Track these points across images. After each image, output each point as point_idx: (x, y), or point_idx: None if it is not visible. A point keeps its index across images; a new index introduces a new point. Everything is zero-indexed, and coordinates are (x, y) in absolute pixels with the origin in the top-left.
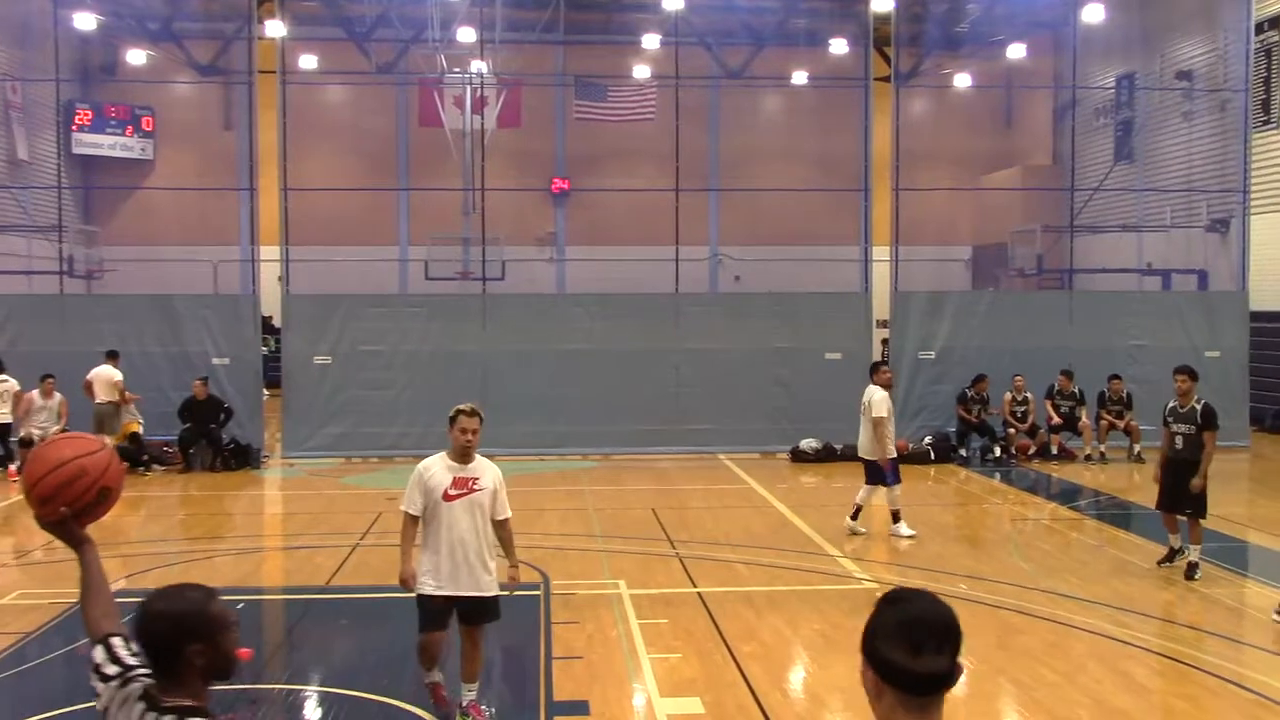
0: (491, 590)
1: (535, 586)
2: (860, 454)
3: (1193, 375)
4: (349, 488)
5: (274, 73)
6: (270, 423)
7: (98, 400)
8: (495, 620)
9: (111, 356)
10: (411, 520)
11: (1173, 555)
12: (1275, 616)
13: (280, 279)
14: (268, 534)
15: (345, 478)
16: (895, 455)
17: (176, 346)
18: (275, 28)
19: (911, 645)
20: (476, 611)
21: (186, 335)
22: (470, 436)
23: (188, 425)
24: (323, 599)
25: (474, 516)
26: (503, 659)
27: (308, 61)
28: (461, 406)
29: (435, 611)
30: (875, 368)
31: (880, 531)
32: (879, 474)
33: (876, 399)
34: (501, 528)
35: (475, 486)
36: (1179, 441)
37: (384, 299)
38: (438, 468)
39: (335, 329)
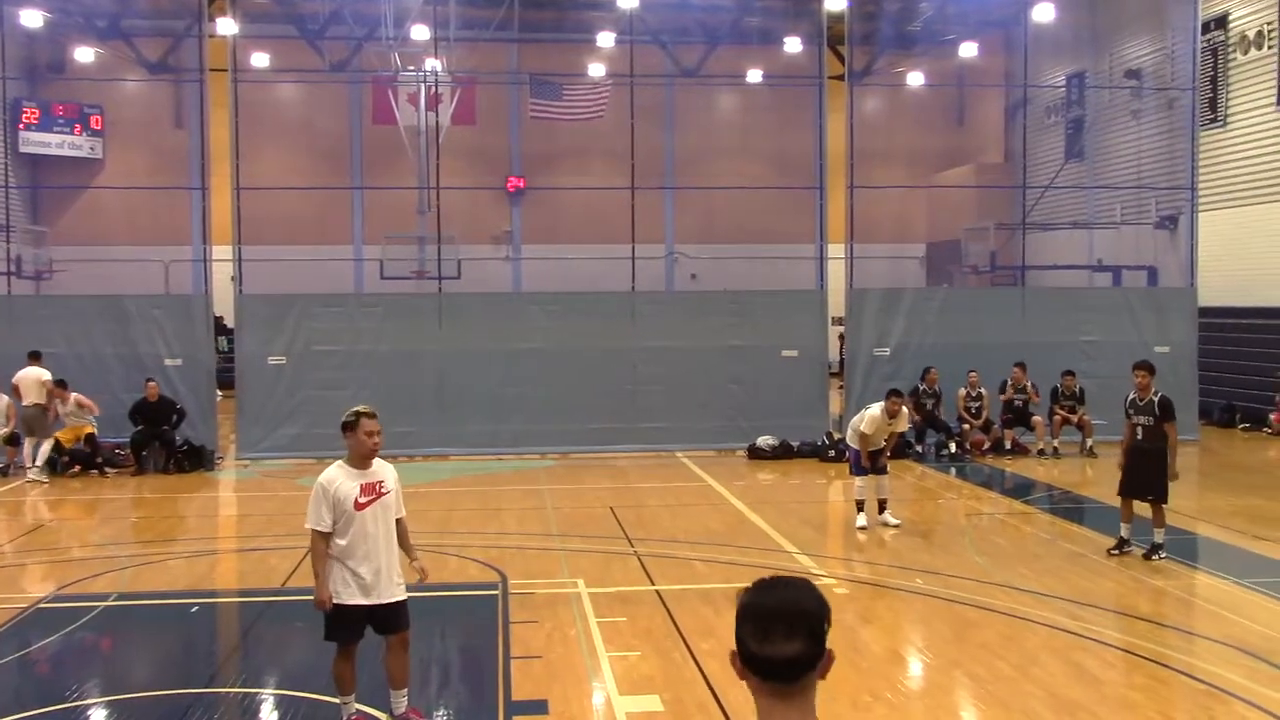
0: (404, 594)
1: (494, 586)
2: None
3: (1151, 370)
4: (304, 489)
5: (225, 71)
6: (224, 424)
7: (25, 403)
8: (406, 626)
9: (34, 357)
10: (322, 538)
11: (1122, 544)
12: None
13: (233, 279)
14: (222, 536)
15: (301, 479)
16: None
17: (127, 347)
18: (226, 25)
19: (759, 631)
20: (395, 618)
21: (137, 336)
22: (377, 439)
23: (140, 427)
24: (278, 601)
25: (385, 521)
26: (460, 659)
27: (260, 59)
28: (361, 409)
29: (354, 622)
30: (888, 395)
31: (836, 529)
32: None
33: (868, 417)
34: (400, 525)
35: (382, 490)
36: (1140, 432)
37: (339, 299)
38: (341, 478)
39: (289, 329)
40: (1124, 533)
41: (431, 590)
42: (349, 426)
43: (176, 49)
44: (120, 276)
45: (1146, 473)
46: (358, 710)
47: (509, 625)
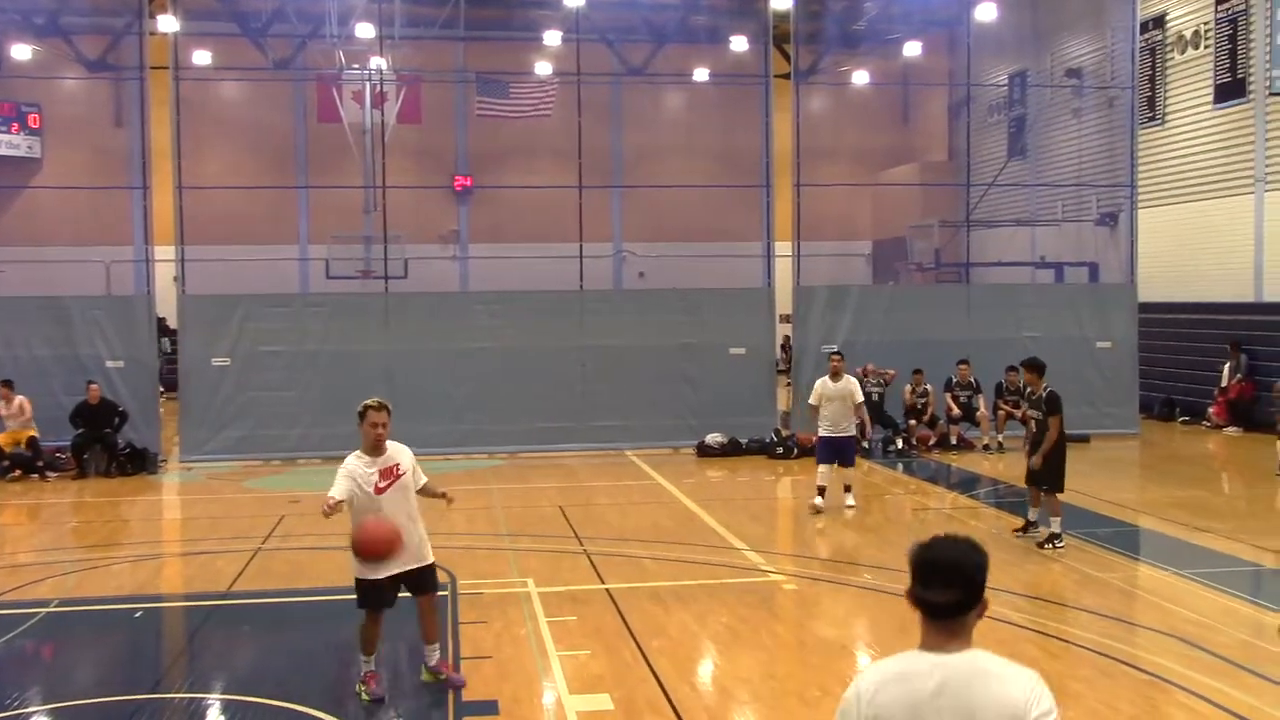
0: (430, 558)
1: (442, 587)
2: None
3: (1032, 368)
4: (251, 491)
5: (166, 68)
6: (167, 426)
7: None
8: (437, 588)
9: None
10: (338, 503)
11: (1028, 527)
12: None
13: (176, 279)
14: (166, 540)
15: (247, 481)
16: (826, 436)
17: (68, 349)
18: (167, 22)
19: (923, 580)
20: (423, 580)
21: (78, 338)
22: (381, 430)
23: (81, 430)
24: (224, 605)
25: (405, 499)
26: (409, 660)
27: (201, 57)
28: (369, 402)
29: (381, 591)
30: (829, 356)
31: (785, 525)
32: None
33: (814, 388)
34: (424, 489)
35: (399, 472)
36: (1034, 425)
37: (284, 299)
38: (360, 466)
39: (234, 330)
40: (1031, 516)
41: None
42: (360, 417)
43: (116, 46)
44: (60, 277)
45: (1041, 464)
46: (374, 670)
47: (458, 626)
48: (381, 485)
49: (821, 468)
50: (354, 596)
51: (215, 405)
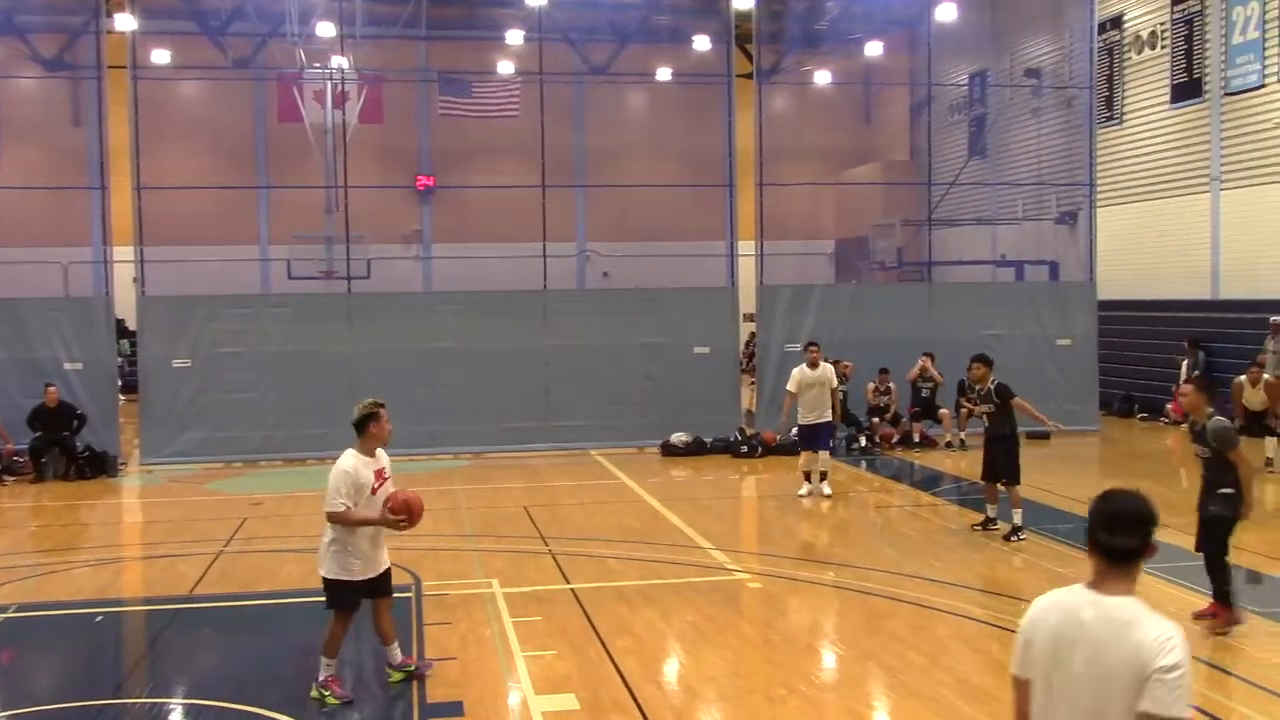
0: (388, 563)
1: (406, 589)
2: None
3: (984, 362)
4: (213, 494)
5: (124, 67)
6: (127, 429)
7: None
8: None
9: None
10: (342, 513)
11: (987, 523)
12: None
13: (135, 280)
14: (126, 543)
15: (210, 484)
16: (807, 424)
17: (25, 352)
18: (125, 21)
19: (1108, 528)
20: (386, 583)
21: (35, 340)
22: (389, 428)
23: (39, 434)
24: (186, 609)
25: (383, 502)
26: (373, 662)
27: (160, 56)
28: (378, 401)
29: (357, 593)
30: (806, 346)
31: (749, 524)
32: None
33: (793, 375)
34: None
35: (386, 475)
36: (985, 419)
37: (245, 299)
38: (360, 466)
39: (194, 331)
40: (990, 512)
41: None
42: (372, 418)
43: (73, 45)
44: (17, 279)
45: (994, 457)
46: (335, 673)
47: (423, 627)
48: (375, 486)
49: (804, 455)
50: (317, 600)
51: (176, 407)
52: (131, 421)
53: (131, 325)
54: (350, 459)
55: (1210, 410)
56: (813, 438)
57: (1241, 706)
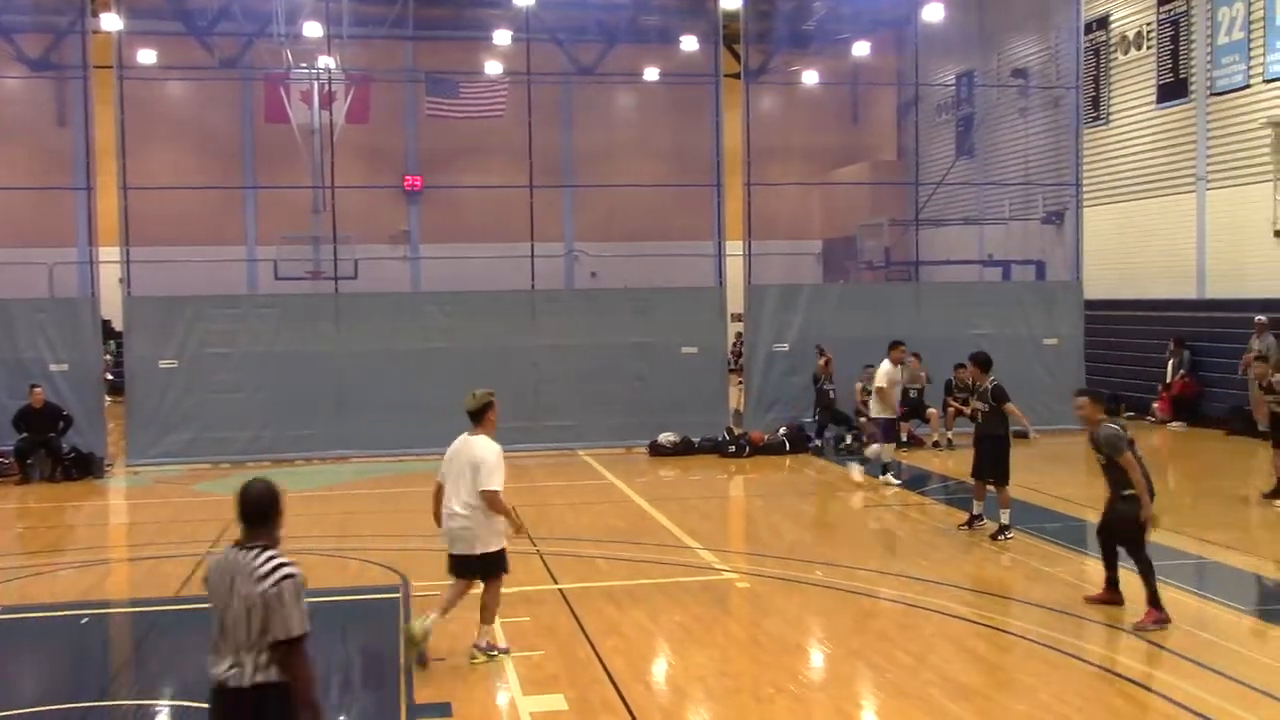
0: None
1: (394, 589)
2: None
3: (977, 363)
4: (200, 495)
5: (110, 67)
6: (114, 430)
7: None
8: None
9: None
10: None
11: (972, 520)
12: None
13: (121, 281)
14: (113, 545)
15: (197, 485)
16: (891, 418)
17: (10, 353)
18: (111, 21)
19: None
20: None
21: (21, 341)
22: None
23: (24, 435)
24: (173, 610)
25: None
26: (362, 662)
27: (146, 56)
28: (488, 390)
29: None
30: (891, 346)
31: (737, 523)
32: (885, 432)
33: (881, 371)
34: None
35: None
36: (979, 417)
37: (232, 300)
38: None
39: (181, 331)
40: (976, 510)
41: (331, 594)
42: (491, 406)
43: (59, 45)
44: (2, 280)
45: (984, 457)
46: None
47: None
48: None
49: (890, 446)
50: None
51: (163, 408)
52: (118, 423)
53: (118, 326)
54: (495, 442)
55: (1103, 418)
56: (895, 431)
57: (1225, 703)
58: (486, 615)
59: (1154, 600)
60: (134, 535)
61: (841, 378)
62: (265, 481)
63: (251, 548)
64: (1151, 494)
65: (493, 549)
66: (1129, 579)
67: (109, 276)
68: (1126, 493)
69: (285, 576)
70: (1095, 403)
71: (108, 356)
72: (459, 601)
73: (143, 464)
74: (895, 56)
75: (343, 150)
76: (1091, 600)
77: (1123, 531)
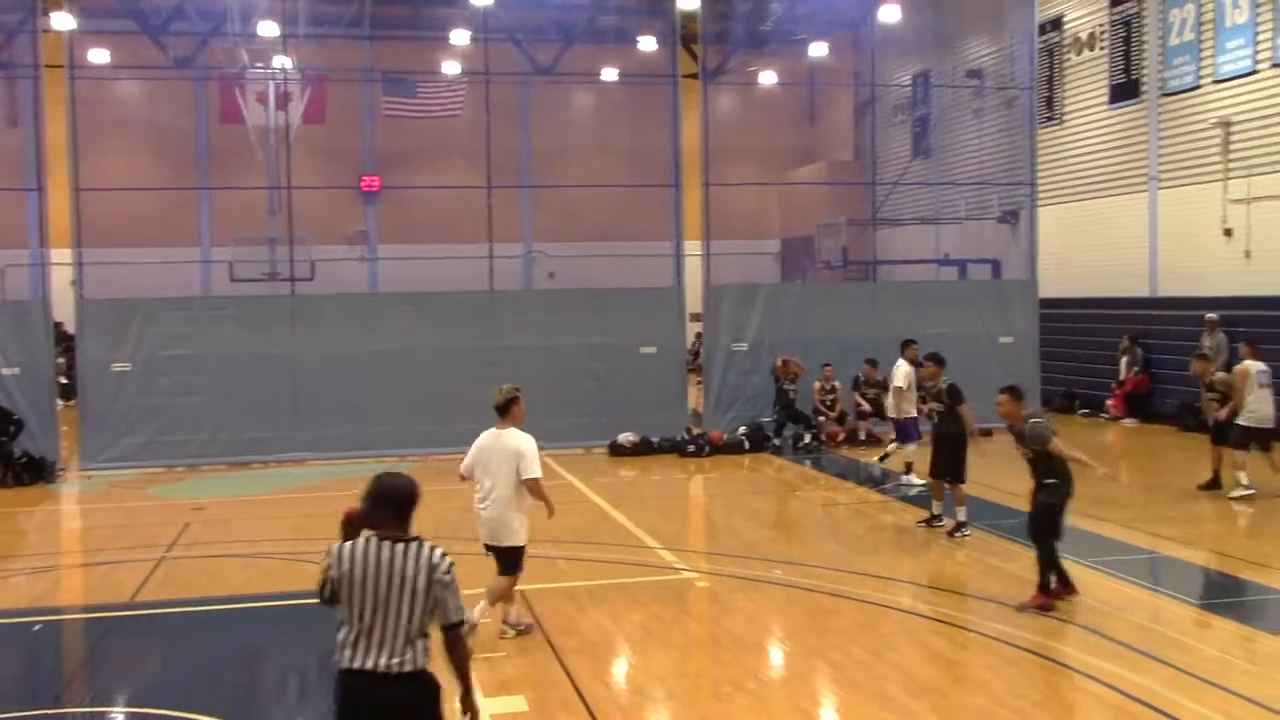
0: None
1: None
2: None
3: (937, 361)
4: (154, 499)
5: (62, 67)
6: (66, 434)
7: None
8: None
9: None
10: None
11: (932, 519)
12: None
13: (73, 283)
14: (65, 550)
15: (151, 488)
16: (912, 416)
17: None
18: (62, 20)
19: None
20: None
21: None
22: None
23: None
24: (127, 616)
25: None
26: (318, 667)
27: (98, 55)
28: (516, 386)
29: None
30: (904, 345)
31: (697, 523)
32: (903, 433)
33: (901, 371)
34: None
35: None
36: (936, 417)
37: (186, 302)
38: None
39: (134, 334)
40: (935, 509)
41: (287, 599)
42: (515, 400)
43: (9, 44)
44: None
45: (940, 455)
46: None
47: None
48: None
49: (911, 447)
50: (262, 605)
51: (116, 412)
52: (71, 427)
53: (70, 329)
54: (529, 435)
55: (1026, 413)
56: (917, 432)
57: (1174, 695)
58: (492, 597)
59: (1044, 587)
60: (87, 540)
61: (800, 377)
62: (405, 475)
63: (406, 540)
64: (1071, 490)
65: (515, 544)
66: (1084, 573)
67: (61, 279)
68: (1048, 481)
69: (452, 564)
70: (1015, 399)
71: (60, 360)
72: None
73: (96, 468)
74: (852, 57)
75: (299, 151)
76: (1048, 599)
77: (1038, 518)
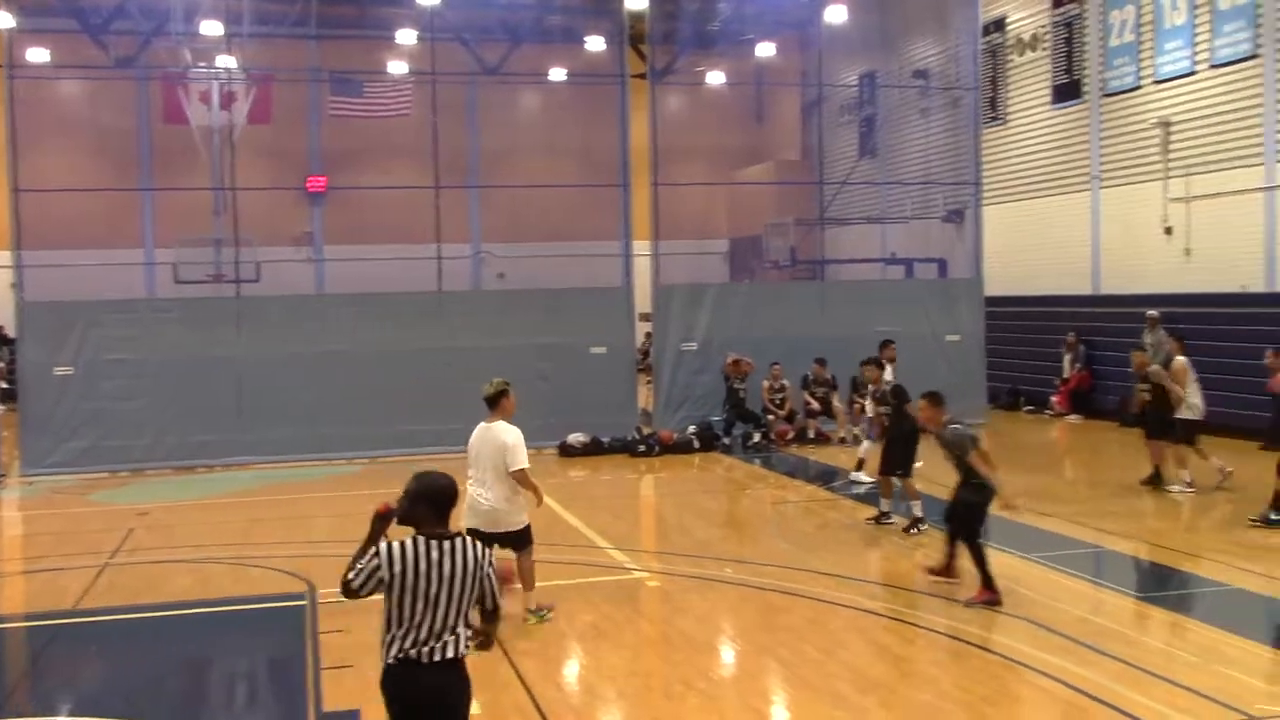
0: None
1: (300, 596)
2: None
3: (877, 364)
4: (97, 504)
5: (0, 66)
6: (7, 440)
7: None
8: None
9: None
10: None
11: (880, 517)
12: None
13: (14, 286)
14: (6, 557)
15: (94, 494)
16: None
17: None
18: (0, 19)
19: None
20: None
21: None
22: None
23: None
24: (70, 623)
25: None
26: (268, 672)
27: (38, 54)
28: (505, 380)
29: None
30: (882, 345)
31: (648, 523)
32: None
33: (885, 375)
34: None
35: None
36: (884, 420)
37: (129, 304)
38: None
39: (76, 337)
40: (883, 506)
41: (235, 603)
42: (506, 393)
43: None
44: None
45: (890, 452)
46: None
47: (318, 635)
48: None
49: (867, 444)
50: (208, 610)
51: (58, 416)
52: (11, 431)
53: (10, 332)
54: (515, 427)
55: (946, 419)
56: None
57: (1122, 688)
58: (526, 583)
59: (988, 583)
60: (29, 547)
61: (750, 375)
62: (445, 473)
63: (450, 537)
64: (994, 493)
65: (519, 525)
66: (1029, 567)
67: (1, 281)
68: (974, 481)
69: (492, 556)
70: (934, 405)
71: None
72: (515, 568)
73: (37, 474)
74: (799, 57)
75: (244, 151)
76: (931, 571)
77: (963, 515)
